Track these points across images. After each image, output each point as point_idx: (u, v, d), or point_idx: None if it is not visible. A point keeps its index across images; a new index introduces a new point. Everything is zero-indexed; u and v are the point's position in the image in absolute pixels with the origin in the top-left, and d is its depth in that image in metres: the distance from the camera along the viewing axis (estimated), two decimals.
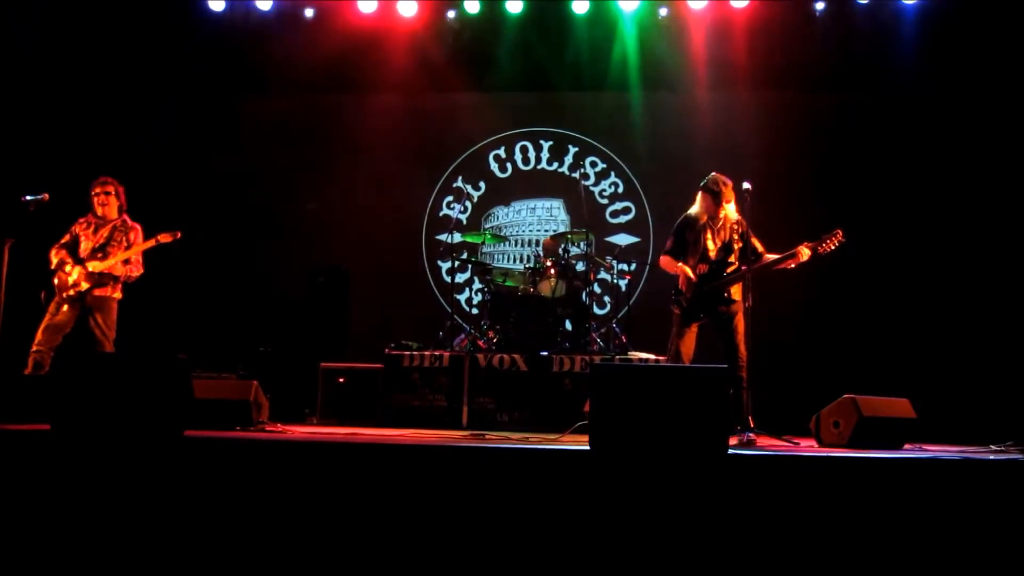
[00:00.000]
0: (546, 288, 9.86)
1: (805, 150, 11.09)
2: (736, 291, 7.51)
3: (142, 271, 8.69)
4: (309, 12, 11.67)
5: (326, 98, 12.04)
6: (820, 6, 11.08)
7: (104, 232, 8.61)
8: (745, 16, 11.18)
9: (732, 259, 7.58)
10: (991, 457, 5.80)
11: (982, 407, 9.30)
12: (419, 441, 6.17)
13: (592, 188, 11.81)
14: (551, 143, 12.03)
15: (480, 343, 9.77)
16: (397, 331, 10.20)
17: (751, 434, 7.04)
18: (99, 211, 8.66)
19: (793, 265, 7.42)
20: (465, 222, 11.83)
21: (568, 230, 11.15)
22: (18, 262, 7.76)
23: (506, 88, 11.93)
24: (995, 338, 10.05)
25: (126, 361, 5.83)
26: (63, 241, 8.63)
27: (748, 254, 7.55)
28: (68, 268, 8.44)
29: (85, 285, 8.40)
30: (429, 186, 12.04)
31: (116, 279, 8.53)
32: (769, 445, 6.89)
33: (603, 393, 5.46)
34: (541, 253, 10.51)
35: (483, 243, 11.63)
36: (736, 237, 7.59)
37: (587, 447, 5.40)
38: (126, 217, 8.75)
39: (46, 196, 8.07)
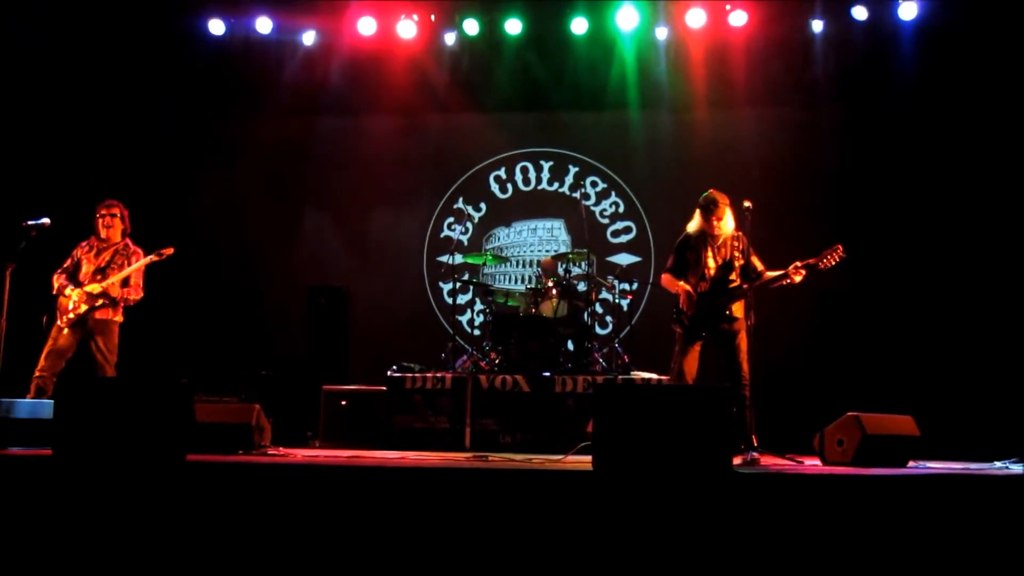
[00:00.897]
0: (548, 309, 9.86)
1: (805, 167, 11.11)
2: (738, 309, 7.49)
3: (142, 295, 8.68)
4: (309, 35, 11.69)
5: (326, 120, 12.06)
6: (818, 24, 11.09)
7: (106, 255, 8.60)
8: (744, 35, 11.21)
9: (733, 276, 7.56)
10: (995, 473, 5.79)
11: (986, 424, 9.27)
12: (422, 464, 6.16)
13: (593, 208, 11.81)
14: (551, 163, 12.04)
15: (482, 364, 9.75)
16: (399, 353, 10.18)
17: (755, 453, 7.01)
18: (103, 233, 8.65)
19: (788, 283, 7.40)
20: (466, 243, 11.83)
21: (569, 250, 11.16)
22: (20, 287, 7.76)
23: (506, 109, 11.97)
24: (998, 354, 10.02)
25: (128, 385, 5.83)
26: (65, 266, 8.62)
27: (749, 272, 7.54)
28: (69, 292, 8.43)
29: (85, 307, 8.39)
30: (430, 207, 12.05)
31: (116, 301, 8.52)
32: (773, 464, 6.88)
33: (606, 413, 5.45)
34: (542, 273, 10.49)
35: (484, 264, 11.64)
36: (737, 255, 7.58)
37: (591, 468, 5.39)
38: (128, 241, 8.75)
39: (47, 221, 8.07)
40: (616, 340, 10.28)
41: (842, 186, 10.98)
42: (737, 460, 6.56)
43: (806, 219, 10.64)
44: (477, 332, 11.55)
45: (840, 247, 7.26)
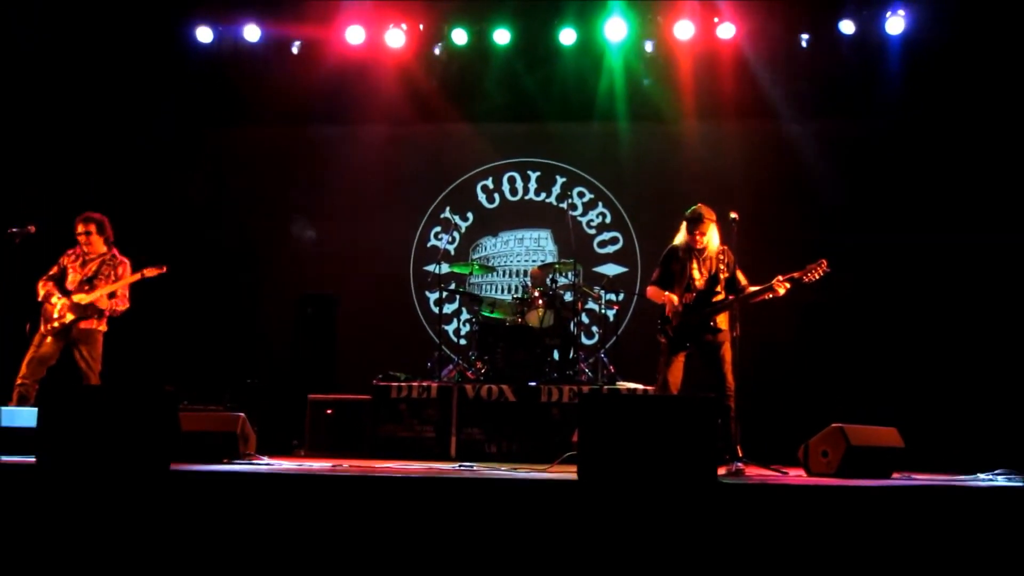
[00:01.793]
0: (534, 318, 9.86)
1: (791, 180, 11.14)
2: (723, 320, 7.51)
3: (128, 305, 8.66)
4: (297, 43, 11.68)
5: (314, 128, 12.05)
6: (805, 37, 11.12)
7: (92, 266, 8.58)
8: (731, 47, 11.21)
9: (718, 289, 7.58)
10: (979, 485, 5.81)
11: (970, 436, 9.30)
12: (407, 473, 6.15)
13: (580, 218, 11.82)
14: (539, 173, 12.05)
15: (468, 374, 9.75)
16: (385, 362, 10.17)
17: (739, 464, 7.03)
18: (85, 248, 8.64)
19: (770, 297, 7.41)
20: (453, 253, 11.83)
21: (556, 260, 11.18)
22: (4, 294, 7.72)
23: (494, 119, 11.96)
24: (983, 367, 10.06)
25: (112, 394, 5.82)
26: (51, 273, 8.60)
27: (734, 285, 7.57)
28: (55, 300, 8.41)
29: (70, 317, 8.38)
30: (417, 217, 12.03)
31: (101, 312, 8.50)
32: (757, 475, 6.89)
33: (591, 423, 5.46)
34: (529, 283, 10.50)
35: (471, 274, 11.64)
36: (722, 267, 7.59)
37: (576, 477, 5.39)
38: (115, 251, 8.73)
39: (32, 228, 8.05)
40: (602, 350, 10.29)
41: (828, 199, 11.00)
42: (722, 471, 6.57)
43: (792, 231, 10.66)
44: (463, 342, 11.55)
45: (824, 261, 7.28)
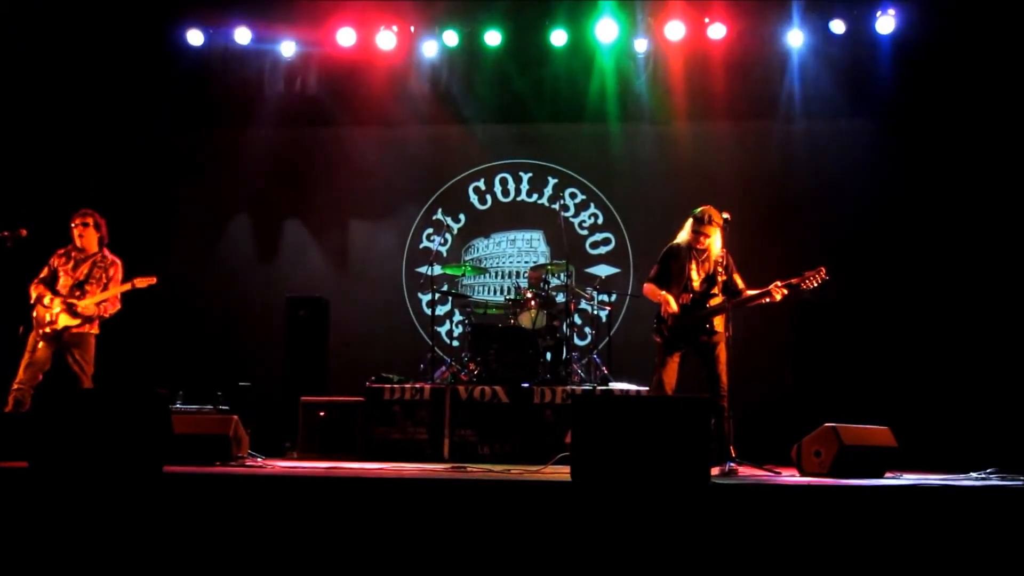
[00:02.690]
0: (527, 320, 9.86)
1: (783, 180, 11.16)
2: (718, 321, 7.50)
3: (119, 307, 8.64)
4: (288, 45, 11.67)
5: (305, 131, 12.06)
6: (796, 37, 11.14)
7: (84, 268, 8.55)
8: (722, 47, 11.23)
9: (715, 291, 7.57)
10: (972, 484, 5.82)
11: (963, 435, 9.33)
12: (400, 475, 6.14)
13: (572, 219, 11.83)
14: (530, 175, 12.06)
15: (461, 375, 9.75)
16: (378, 364, 10.17)
17: (733, 464, 7.03)
18: (78, 243, 8.61)
19: (767, 302, 7.41)
20: (445, 254, 11.82)
21: (548, 261, 11.18)
22: None
23: (485, 120, 11.97)
24: (976, 367, 10.08)
25: (104, 397, 5.81)
26: (41, 276, 8.57)
27: (731, 288, 7.57)
28: (47, 302, 8.39)
29: (63, 322, 8.35)
30: (409, 219, 12.03)
31: (92, 317, 8.48)
32: (751, 474, 6.89)
33: (585, 424, 5.46)
34: (525, 284, 10.49)
35: (463, 275, 11.64)
36: (720, 270, 7.58)
37: (569, 478, 5.39)
38: (106, 251, 8.70)
39: (23, 231, 8.05)
40: (595, 351, 10.31)
41: (819, 198, 11.03)
42: (715, 471, 6.57)
43: (784, 232, 10.70)
44: (456, 343, 11.51)
45: (823, 269, 7.25)
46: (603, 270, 11.62)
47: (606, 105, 11.64)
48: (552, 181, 11.99)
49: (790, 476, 6.84)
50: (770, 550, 4.97)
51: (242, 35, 11.59)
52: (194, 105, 11.71)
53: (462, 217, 12.03)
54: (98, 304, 8.47)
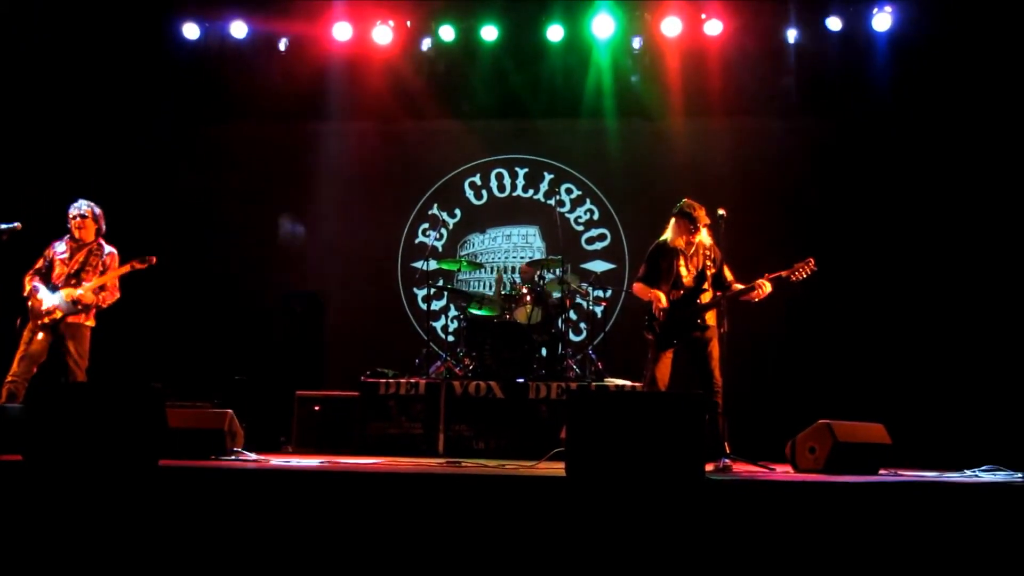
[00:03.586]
0: (522, 315, 9.86)
1: (779, 176, 11.16)
2: (710, 317, 7.52)
3: (118, 296, 8.63)
4: (284, 40, 11.66)
5: (301, 125, 12.05)
6: (793, 33, 11.14)
7: (79, 257, 8.54)
8: (719, 44, 11.24)
9: (705, 286, 7.58)
10: (966, 481, 5.83)
11: (957, 432, 9.34)
12: (395, 469, 6.15)
13: (567, 215, 11.83)
14: (526, 170, 12.06)
15: (456, 371, 9.75)
16: (373, 359, 10.17)
17: (727, 460, 7.04)
18: (76, 234, 8.59)
19: (757, 298, 7.42)
20: (441, 249, 11.83)
21: (544, 257, 11.18)
22: None
23: (481, 115, 11.98)
24: (970, 363, 10.09)
25: (99, 390, 5.79)
26: (37, 267, 8.55)
27: (722, 281, 7.58)
28: (41, 295, 8.38)
29: (60, 313, 8.34)
30: (404, 214, 12.03)
31: (89, 307, 8.47)
32: (745, 471, 6.90)
33: (579, 420, 5.46)
34: (518, 279, 10.49)
35: (459, 270, 11.64)
36: (709, 264, 7.59)
37: (564, 474, 5.39)
38: (101, 240, 8.68)
39: (18, 225, 8.05)
40: (590, 347, 10.31)
41: (815, 195, 11.03)
42: (710, 467, 6.58)
43: (779, 228, 10.69)
44: (451, 338, 11.54)
45: (811, 260, 7.29)
46: (599, 266, 11.63)
47: (602, 101, 11.65)
48: (548, 177, 11.99)
49: (784, 472, 6.86)
50: (764, 546, 4.98)
51: (238, 29, 11.58)
52: (190, 99, 11.70)
53: (458, 212, 12.03)
54: (97, 292, 8.46)
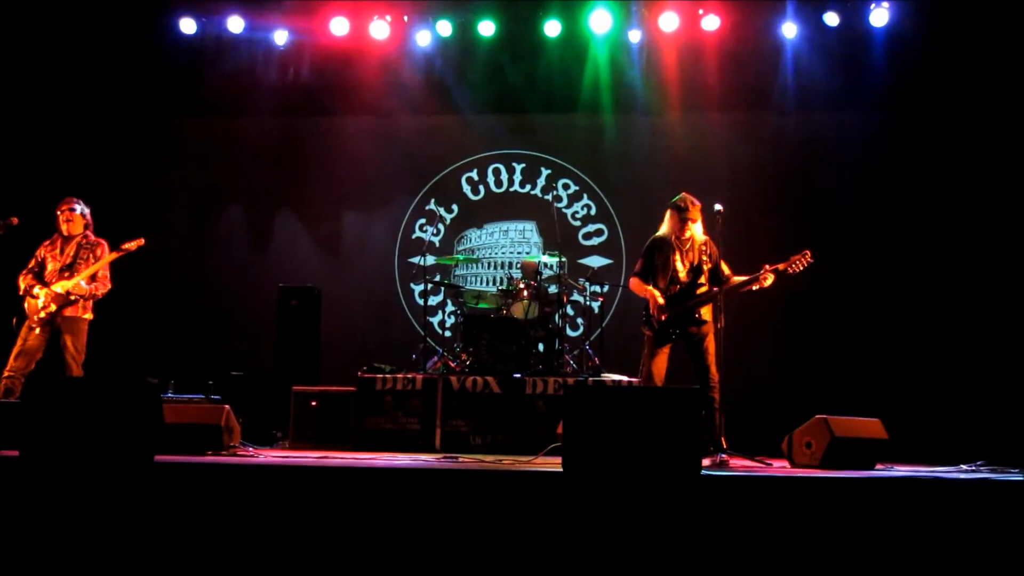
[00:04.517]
0: (519, 310, 9.85)
1: (776, 171, 11.16)
2: (707, 312, 7.52)
3: (110, 286, 8.63)
4: (281, 34, 11.64)
5: (298, 120, 12.03)
6: (790, 29, 11.13)
7: (70, 250, 8.56)
8: (716, 39, 11.23)
9: (702, 281, 7.59)
10: (962, 477, 5.83)
11: (953, 428, 9.35)
12: (392, 465, 6.15)
13: (565, 210, 11.81)
14: (523, 165, 12.04)
15: (453, 366, 9.74)
16: (370, 354, 10.16)
17: (724, 455, 7.05)
18: (64, 229, 8.61)
19: (757, 288, 7.43)
20: (438, 244, 11.81)
21: (541, 252, 11.17)
22: None
23: (478, 110, 11.96)
24: (967, 359, 10.09)
25: (95, 385, 5.78)
26: (30, 266, 8.57)
27: (719, 275, 7.58)
28: (36, 292, 8.38)
29: (54, 307, 8.34)
30: (402, 209, 12.01)
31: (83, 296, 8.46)
32: (742, 466, 6.91)
33: (576, 415, 5.45)
34: (520, 275, 10.47)
35: (456, 265, 11.64)
36: (705, 258, 7.60)
37: (561, 469, 5.39)
38: (89, 233, 8.69)
39: (14, 219, 8.04)
40: (587, 342, 10.30)
41: (812, 190, 11.04)
42: (706, 462, 6.58)
43: (777, 223, 10.70)
44: (448, 333, 11.53)
45: (808, 252, 7.31)
46: (596, 261, 11.62)
47: (600, 96, 11.64)
48: (545, 172, 11.98)
49: (781, 467, 6.86)
50: (761, 541, 4.98)
51: (235, 24, 11.56)
52: (187, 94, 11.67)
53: (455, 207, 12.01)
54: (90, 281, 8.45)
